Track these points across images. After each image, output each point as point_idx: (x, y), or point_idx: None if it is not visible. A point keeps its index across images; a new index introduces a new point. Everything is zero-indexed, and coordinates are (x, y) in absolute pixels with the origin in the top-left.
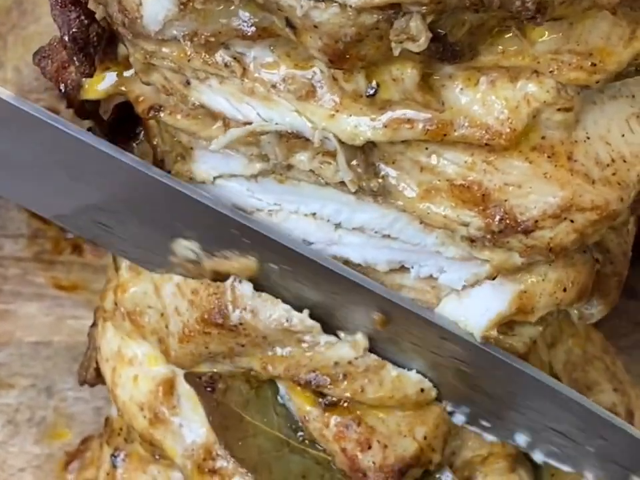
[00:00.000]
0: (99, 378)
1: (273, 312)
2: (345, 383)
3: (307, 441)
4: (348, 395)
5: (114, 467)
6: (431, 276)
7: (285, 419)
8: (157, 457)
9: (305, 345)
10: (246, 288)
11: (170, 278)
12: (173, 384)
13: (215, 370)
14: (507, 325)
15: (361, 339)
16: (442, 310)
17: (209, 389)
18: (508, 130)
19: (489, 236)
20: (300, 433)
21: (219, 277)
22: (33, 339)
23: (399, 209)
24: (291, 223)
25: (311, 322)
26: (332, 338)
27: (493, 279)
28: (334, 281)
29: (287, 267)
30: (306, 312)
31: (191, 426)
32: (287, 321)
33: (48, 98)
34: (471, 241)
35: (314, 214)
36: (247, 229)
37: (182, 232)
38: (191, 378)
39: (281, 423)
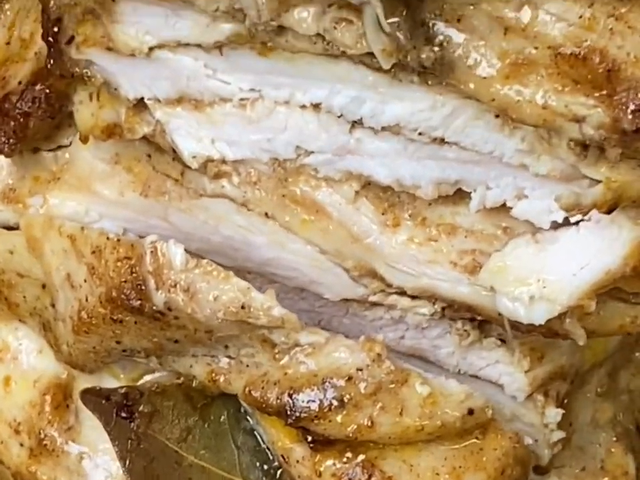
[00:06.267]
0: None
1: (219, 291)
2: (343, 413)
3: None
4: (348, 433)
5: None
6: (503, 205)
7: (252, 456)
8: None
9: (275, 350)
10: (175, 250)
11: (58, 225)
12: (67, 390)
13: (131, 380)
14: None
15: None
16: (504, 260)
17: (123, 415)
18: None
19: (615, 137)
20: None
21: None
22: None
23: (462, 95)
24: (278, 119)
25: (282, 310)
26: (319, 336)
27: (608, 213)
28: None
29: None
30: (271, 293)
31: (98, 458)
32: (244, 307)
33: None
34: (583, 147)
35: (317, 105)
36: None
37: None
38: (91, 398)
39: (247, 462)
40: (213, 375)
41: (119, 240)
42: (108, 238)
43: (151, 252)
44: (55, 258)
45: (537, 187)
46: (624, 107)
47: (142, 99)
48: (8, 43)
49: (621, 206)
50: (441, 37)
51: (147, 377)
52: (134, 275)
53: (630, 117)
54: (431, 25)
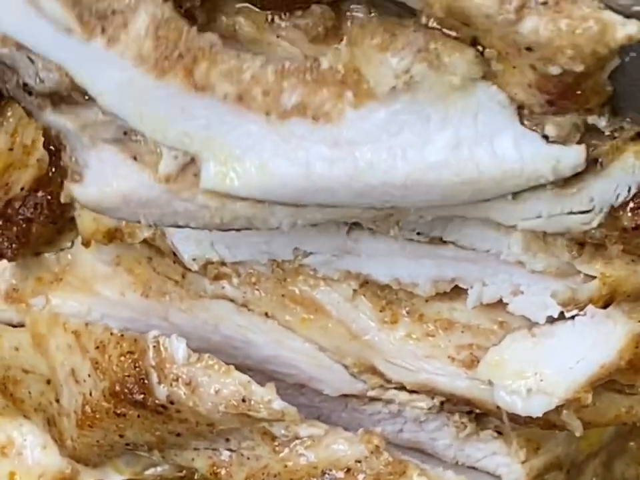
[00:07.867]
0: None
1: (221, 384)
2: None
3: None
4: None
5: None
6: (500, 301)
7: None
8: None
9: (275, 442)
10: (177, 345)
11: (63, 322)
12: None
13: (134, 474)
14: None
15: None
16: (502, 354)
17: None
18: None
19: (616, 234)
20: None
21: None
22: None
23: None
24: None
25: (282, 404)
26: (318, 429)
27: (604, 307)
28: None
29: None
30: (271, 386)
31: None
32: (245, 400)
33: None
34: (580, 245)
35: None
36: None
37: None
38: None
39: None
40: (215, 467)
41: (122, 335)
42: (112, 333)
43: (154, 346)
44: (59, 353)
45: (532, 283)
46: (624, 205)
47: None
48: (11, 149)
49: (619, 299)
50: None
51: (150, 471)
52: (137, 369)
53: (629, 214)
54: None
